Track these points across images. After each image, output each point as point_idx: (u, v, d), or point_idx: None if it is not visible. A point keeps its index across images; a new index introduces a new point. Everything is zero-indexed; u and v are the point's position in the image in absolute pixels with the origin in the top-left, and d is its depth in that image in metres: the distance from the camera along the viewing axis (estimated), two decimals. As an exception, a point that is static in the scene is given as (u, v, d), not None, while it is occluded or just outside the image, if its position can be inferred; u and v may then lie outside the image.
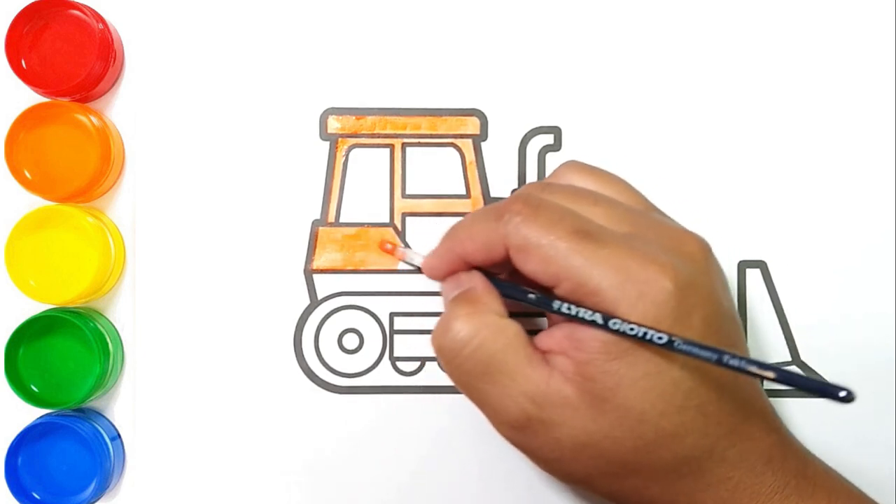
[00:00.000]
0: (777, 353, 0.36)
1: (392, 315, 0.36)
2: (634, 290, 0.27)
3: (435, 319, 0.36)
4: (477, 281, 0.31)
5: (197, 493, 0.36)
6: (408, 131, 0.36)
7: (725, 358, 0.26)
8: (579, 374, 0.28)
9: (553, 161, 0.36)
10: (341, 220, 0.36)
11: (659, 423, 0.27)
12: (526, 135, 0.36)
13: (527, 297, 0.30)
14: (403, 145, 0.36)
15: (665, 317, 0.27)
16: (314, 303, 0.36)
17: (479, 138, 0.36)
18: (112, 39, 0.35)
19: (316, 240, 0.36)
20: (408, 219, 0.36)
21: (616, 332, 0.27)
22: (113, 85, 0.36)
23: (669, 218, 0.32)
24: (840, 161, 0.36)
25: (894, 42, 0.36)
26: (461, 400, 0.36)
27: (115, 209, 0.36)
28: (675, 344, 0.26)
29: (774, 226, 0.36)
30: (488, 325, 0.29)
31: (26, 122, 0.34)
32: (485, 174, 0.36)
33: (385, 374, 0.36)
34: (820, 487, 0.29)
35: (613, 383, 0.27)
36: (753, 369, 0.26)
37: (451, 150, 0.36)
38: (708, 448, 0.28)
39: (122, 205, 0.36)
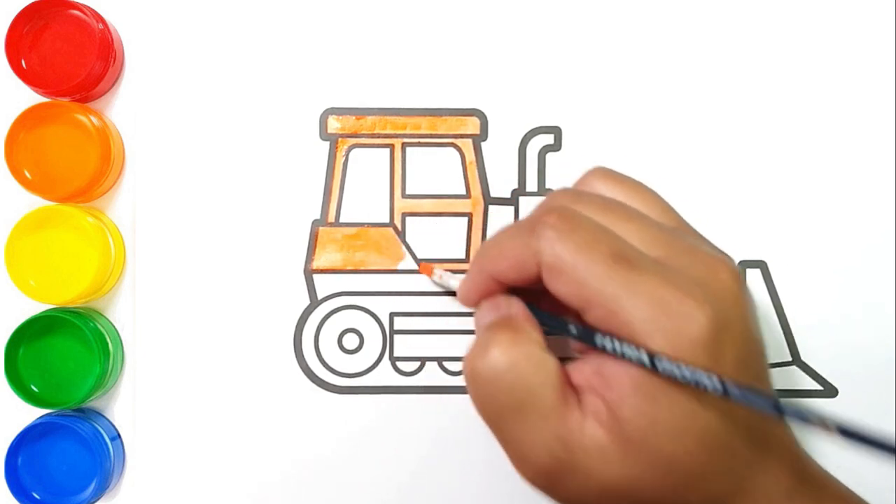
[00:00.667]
0: (777, 353, 0.36)
1: (392, 315, 0.36)
2: (670, 324, 0.25)
3: (435, 319, 0.36)
4: (517, 308, 0.29)
5: (197, 493, 0.36)
6: (408, 131, 0.36)
7: (782, 407, 0.25)
8: (612, 416, 0.26)
9: (553, 161, 0.36)
10: (341, 220, 0.36)
11: (689, 466, 0.26)
12: (526, 135, 0.36)
13: (567, 329, 0.28)
14: (403, 145, 0.36)
15: (699, 355, 0.25)
16: (314, 303, 0.36)
17: (479, 138, 0.36)
18: (112, 39, 0.35)
19: (316, 240, 0.36)
20: (408, 219, 0.36)
21: (661, 373, 0.25)
22: (113, 85, 0.36)
23: (700, 236, 0.30)
24: (840, 161, 0.36)
25: (894, 42, 0.36)
26: (461, 400, 0.36)
27: (115, 209, 0.36)
28: (730, 392, 0.25)
29: (775, 226, 0.36)
30: (529, 357, 0.27)
31: (26, 122, 0.34)
32: (485, 174, 0.36)
33: (385, 375, 0.36)
34: None
35: (647, 426, 0.26)
36: (814, 421, 0.24)
37: (451, 149, 0.36)
38: (733, 485, 0.27)
39: (122, 205, 0.36)
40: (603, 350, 0.26)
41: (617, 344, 0.26)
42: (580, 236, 0.27)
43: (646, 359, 0.25)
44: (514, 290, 0.30)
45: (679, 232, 0.29)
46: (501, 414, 0.28)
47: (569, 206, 0.28)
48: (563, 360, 0.28)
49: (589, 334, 0.27)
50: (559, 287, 0.27)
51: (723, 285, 0.27)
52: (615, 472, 0.26)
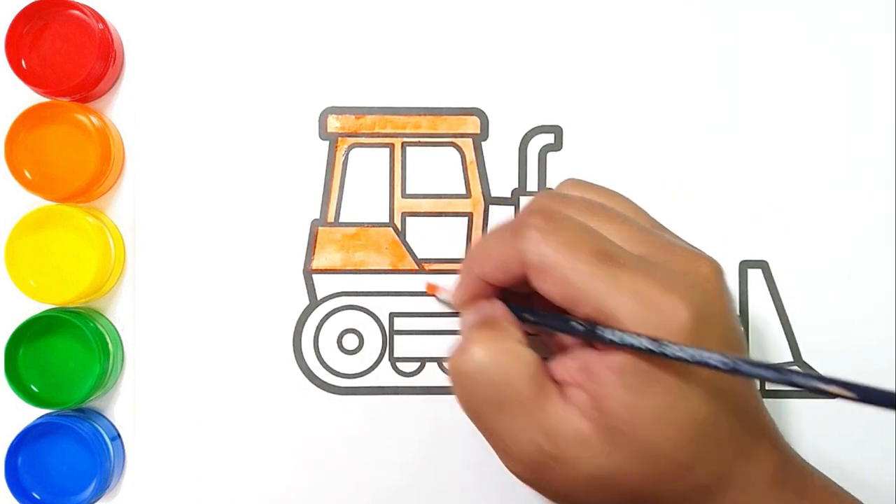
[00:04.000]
0: (778, 353, 0.36)
1: (392, 315, 0.36)
2: (654, 318, 0.26)
3: (435, 320, 0.36)
4: (498, 308, 0.30)
5: (197, 493, 0.36)
6: (408, 131, 0.36)
7: (787, 375, 0.25)
8: (596, 407, 0.27)
9: (554, 160, 0.36)
10: (341, 219, 0.36)
11: (674, 455, 0.27)
12: (526, 134, 0.36)
13: (570, 326, 0.28)
14: (403, 145, 0.36)
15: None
16: (314, 303, 0.36)
17: (480, 138, 0.36)
18: (112, 39, 0.35)
19: (315, 240, 0.36)
20: (408, 218, 0.36)
21: (671, 357, 0.26)
22: (113, 85, 0.36)
23: (678, 237, 0.31)
24: (840, 161, 0.36)
25: (894, 42, 0.36)
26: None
27: (115, 209, 0.36)
28: (740, 367, 0.25)
29: (776, 226, 0.36)
30: (508, 351, 0.28)
31: (26, 122, 0.34)
32: (485, 174, 0.36)
33: (385, 375, 0.36)
34: (819, 502, 0.29)
35: (631, 417, 0.26)
36: (819, 385, 0.25)
37: (452, 149, 0.36)
38: (718, 474, 0.27)
39: (122, 205, 0.36)
40: (612, 343, 0.26)
41: (621, 334, 0.26)
42: (564, 236, 0.27)
43: (651, 345, 0.26)
44: (507, 293, 0.31)
45: (658, 230, 0.30)
46: (484, 409, 0.28)
47: (552, 207, 0.29)
48: (545, 359, 0.29)
49: (591, 327, 0.27)
50: (545, 286, 0.28)
51: (704, 278, 0.28)
52: (601, 462, 0.27)
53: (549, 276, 0.27)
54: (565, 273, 0.27)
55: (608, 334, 0.26)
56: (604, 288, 0.26)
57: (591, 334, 0.27)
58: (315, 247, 0.36)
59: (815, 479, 0.30)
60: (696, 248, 0.30)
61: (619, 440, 0.27)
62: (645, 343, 0.26)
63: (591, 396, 0.27)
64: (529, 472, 0.28)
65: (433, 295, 0.35)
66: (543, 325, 0.30)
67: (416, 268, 0.36)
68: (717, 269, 0.29)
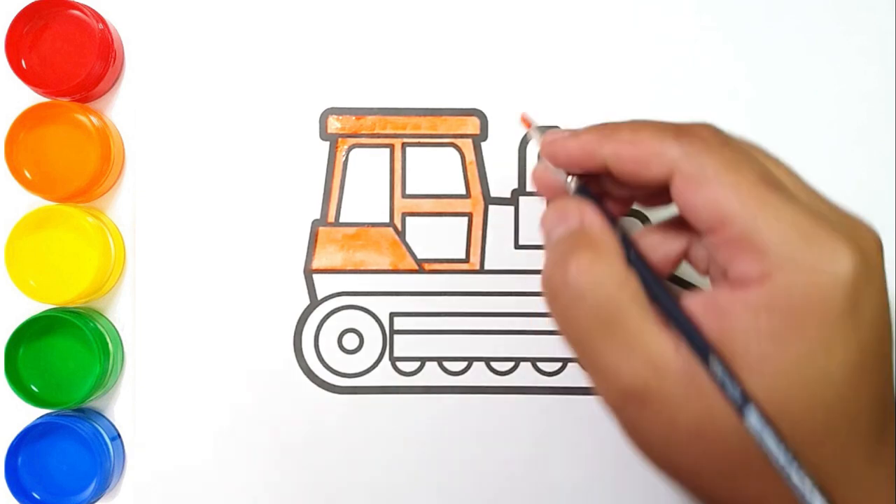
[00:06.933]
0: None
1: (392, 315, 0.36)
2: (809, 255, 0.23)
3: (435, 319, 0.36)
4: (591, 217, 0.27)
5: (197, 493, 0.36)
6: (408, 131, 0.36)
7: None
8: (719, 349, 0.23)
9: (553, 161, 0.36)
10: (341, 219, 0.36)
11: (799, 419, 0.23)
12: (526, 134, 0.36)
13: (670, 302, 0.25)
14: (403, 145, 0.36)
15: (836, 298, 0.23)
16: (314, 303, 0.36)
17: (479, 138, 0.36)
18: (112, 39, 0.35)
19: (316, 240, 0.36)
20: (408, 219, 0.36)
21: (746, 425, 0.23)
22: (113, 85, 0.36)
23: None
24: (841, 162, 0.36)
25: (894, 42, 0.36)
26: (461, 400, 0.36)
27: (115, 209, 0.36)
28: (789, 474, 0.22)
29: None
30: (612, 275, 0.25)
31: (26, 122, 0.34)
32: (485, 174, 0.36)
33: (385, 375, 0.36)
34: None
35: (759, 365, 0.23)
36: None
37: (451, 149, 0.36)
38: (842, 462, 0.23)
39: (122, 205, 0.36)
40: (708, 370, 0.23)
41: (721, 370, 0.23)
42: (730, 152, 0.25)
43: (739, 398, 0.23)
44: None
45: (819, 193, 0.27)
46: (584, 336, 0.25)
47: (722, 131, 0.26)
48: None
49: (695, 337, 0.24)
50: (693, 198, 0.24)
51: (868, 244, 0.24)
52: (711, 409, 0.23)
53: (703, 189, 0.24)
54: (721, 189, 0.24)
55: (712, 363, 0.23)
56: (759, 212, 0.23)
57: (691, 339, 0.24)
58: (315, 247, 0.36)
59: None
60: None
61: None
62: (735, 394, 0.23)
63: (717, 335, 0.23)
64: (626, 405, 0.25)
65: (528, 125, 0.31)
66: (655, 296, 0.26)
67: (416, 268, 0.36)
68: (879, 242, 0.25)
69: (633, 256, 0.26)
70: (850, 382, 0.23)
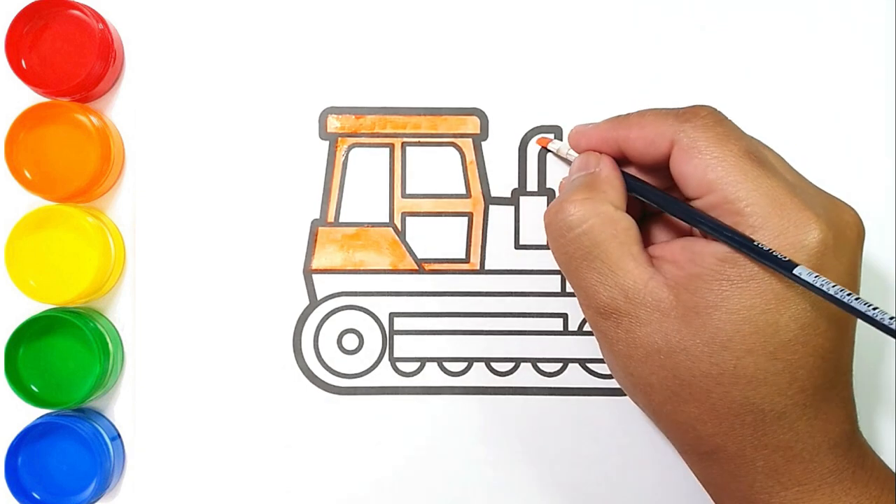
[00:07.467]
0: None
1: (392, 315, 0.36)
2: (780, 224, 0.26)
3: (435, 320, 0.36)
4: (605, 167, 0.32)
5: (197, 493, 0.36)
6: (408, 131, 0.36)
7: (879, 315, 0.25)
8: (683, 284, 0.28)
9: (553, 160, 0.36)
10: (341, 219, 0.36)
11: (742, 359, 0.27)
12: (526, 134, 0.36)
13: (680, 209, 0.30)
14: (403, 145, 0.36)
15: (800, 262, 0.26)
16: (313, 303, 0.36)
17: (480, 138, 0.36)
18: (112, 39, 0.35)
19: (315, 239, 0.36)
20: (408, 218, 0.36)
21: (799, 281, 0.25)
22: (113, 85, 0.36)
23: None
24: (841, 162, 0.36)
25: (894, 42, 0.36)
26: (461, 400, 0.36)
27: (115, 209, 0.36)
28: (845, 298, 0.25)
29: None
30: (600, 213, 0.30)
31: (26, 122, 0.34)
32: (485, 174, 0.36)
33: (385, 375, 0.36)
34: (875, 479, 0.28)
35: (714, 302, 0.27)
36: None
37: (452, 149, 0.36)
38: (780, 409, 0.27)
39: (122, 205, 0.36)
40: (723, 237, 0.27)
41: (741, 237, 0.27)
42: (722, 129, 0.29)
43: (785, 262, 0.26)
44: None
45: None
46: (571, 261, 0.30)
47: (721, 113, 0.30)
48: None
49: (711, 223, 0.28)
50: (685, 168, 0.29)
51: (844, 223, 0.28)
52: (668, 333, 0.28)
53: (694, 159, 0.28)
54: (712, 159, 0.28)
55: (722, 230, 0.27)
56: (741, 180, 0.27)
57: (711, 227, 0.28)
58: (315, 247, 0.36)
59: (874, 457, 0.29)
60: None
61: (693, 320, 0.27)
62: (763, 246, 0.26)
63: (685, 274, 0.28)
64: (602, 320, 0.30)
65: (545, 146, 0.36)
66: (659, 205, 0.31)
67: (416, 268, 0.36)
68: (858, 223, 0.29)
69: (638, 187, 0.31)
70: (796, 337, 0.27)
